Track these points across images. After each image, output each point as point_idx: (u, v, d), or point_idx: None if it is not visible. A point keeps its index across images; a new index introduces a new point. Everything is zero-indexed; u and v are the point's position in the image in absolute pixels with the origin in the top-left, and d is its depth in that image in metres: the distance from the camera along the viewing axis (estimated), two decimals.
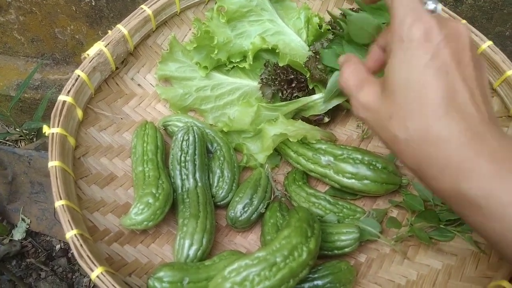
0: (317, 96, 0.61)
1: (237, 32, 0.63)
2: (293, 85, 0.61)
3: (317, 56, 0.58)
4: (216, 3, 0.63)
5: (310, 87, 0.60)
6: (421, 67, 0.30)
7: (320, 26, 0.61)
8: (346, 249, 0.49)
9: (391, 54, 0.31)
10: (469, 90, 0.30)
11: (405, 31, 0.30)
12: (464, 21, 0.55)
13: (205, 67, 0.63)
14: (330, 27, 0.60)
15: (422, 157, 0.30)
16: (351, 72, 0.35)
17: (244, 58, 0.63)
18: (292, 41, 0.62)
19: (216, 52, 0.61)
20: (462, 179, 0.28)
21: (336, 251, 0.50)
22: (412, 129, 0.30)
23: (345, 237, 0.49)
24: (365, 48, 0.55)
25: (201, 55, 0.62)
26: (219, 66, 0.64)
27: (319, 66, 0.57)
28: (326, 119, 0.62)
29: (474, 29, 0.55)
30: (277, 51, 0.59)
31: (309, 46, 0.62)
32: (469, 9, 0.72)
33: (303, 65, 0.58)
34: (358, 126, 0.64)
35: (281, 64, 0.59)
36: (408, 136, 0.30)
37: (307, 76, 0.59)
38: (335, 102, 0.61)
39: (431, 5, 0.34)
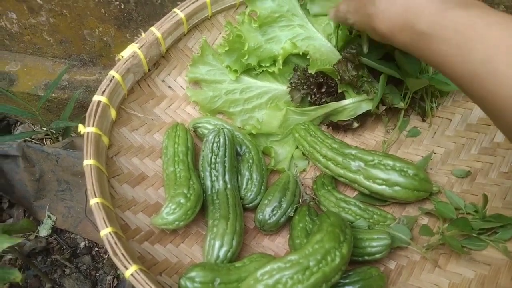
0: (346, 102, 0.61)
1: (267, 37, 0.63)
2: (323, 90, 0.61)
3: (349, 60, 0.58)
4: (246, 7, 0.64)
5: (339, 91, 0.60)
6: None
7: (351, 32, 0.61)
8: (377, 256, 0.49)
9: None
10: None
11: None
12: None
13: (235, 71, 0.63)
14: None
15: (394, 19, 0.42)
16: None
17: (273, 62, 0.64)
18: (323, 46, 0.62)
19: (246, 57, 0.61)
20: (416, 21, 0.40)
21: (366, 257, 0.49)
22: None
23: (376, 243, 0.49)
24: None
25: (231, 59, 0.63)
26: (248, 70, 0.65)
27: (350, 71, 0.58)
28: (355, 124, 0.62)
29: None
30: (308, 57, 0.59)
31: (339, 51, 0.62)
32: None
33: (334, 68, 0.58)
34: (387, 131, 0.64)
35: (310, 71, 0.59)
36: (385, 4, 0.42)
37: (337, 79, 0.59)
38: (364, 108, 0.61)
39: None
